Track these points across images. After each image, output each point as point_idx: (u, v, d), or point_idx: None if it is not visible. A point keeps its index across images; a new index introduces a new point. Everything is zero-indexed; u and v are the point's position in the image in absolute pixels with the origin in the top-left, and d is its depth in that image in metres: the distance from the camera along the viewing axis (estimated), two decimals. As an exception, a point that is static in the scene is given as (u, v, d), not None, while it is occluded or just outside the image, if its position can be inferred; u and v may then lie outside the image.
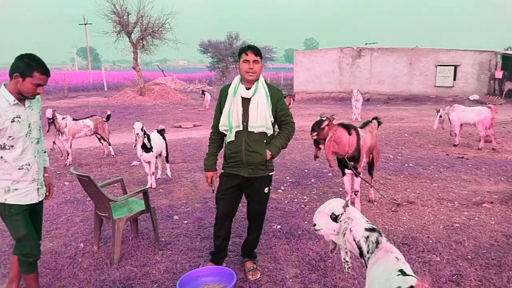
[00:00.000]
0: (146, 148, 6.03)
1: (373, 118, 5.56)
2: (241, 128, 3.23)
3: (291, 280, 3.42)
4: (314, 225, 2.39)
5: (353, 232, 2.20)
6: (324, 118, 4.52)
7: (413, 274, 1.96)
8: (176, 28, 24.63)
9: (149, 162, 6.17)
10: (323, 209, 2.37)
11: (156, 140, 6.33)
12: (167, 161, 6.79)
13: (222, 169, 3.45)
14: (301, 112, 17.29)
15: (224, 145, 3.45)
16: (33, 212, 2.98)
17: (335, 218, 2.27)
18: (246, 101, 3.23)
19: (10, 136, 2.72)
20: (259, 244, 4.04)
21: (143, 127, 5.93)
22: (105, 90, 32.66)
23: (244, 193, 3.49)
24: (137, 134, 5.89)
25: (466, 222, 4.65)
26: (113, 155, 8.61)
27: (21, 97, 2.77)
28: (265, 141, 3.29)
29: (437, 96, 23.23)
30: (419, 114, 16.40)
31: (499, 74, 22.25)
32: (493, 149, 8.89)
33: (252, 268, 3.53)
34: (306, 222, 4.69)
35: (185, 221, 4.79)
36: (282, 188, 6.11)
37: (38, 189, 2.94)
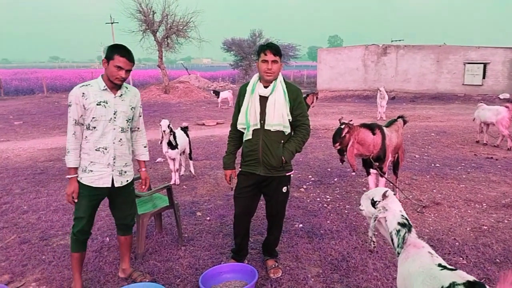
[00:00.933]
0: (172, 145, 6.12)
1: (399, 117, 5.46)
2: (258, 126, 3.22)
3: (313, 280, 3.40)
4: (360, 204, 2.61)
5: (387, 222, 2.35)
6: (342, 126, 4.45)
7: (454, 268, 1.99)
8: (200, 26, 24.94)
9: (174, 159, 6.26)
10: (369, 193, 2.57)
11: (180, 137, 6.41)
12: (191, 158, 6.86)
13: (240, 167, 3.45)
14: (325, 110, 17.15)
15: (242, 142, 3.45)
16: (116, 197, 3.24)
17: (373, 203, 2.44)
18: (263, 99, 3.22)
19: (93, 117, 2.99)
20: (281, 242, 4.05)
21: (169, 124, 6.02)
22: (130, 87, 33.19)
23: (262, 192, 3.47)
24: (164, 131, 5.98)
25: (494, 225, 4.51)
26: None
27: (112, 86, 3.06)
28: (282, 141, 3.25)
29: (466, 94, 22.59)
30: (447, 113, 15.99)
31: (531, 72, 21.45)
32: (508, 149, 8.64)
33: (274, 266, 3.53)
34: (328, 222, 4.66)
35: (208, 218, 4.84)
36: (305, 186, 6.08)
37: (113, 175, 3.11)
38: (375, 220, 2.36)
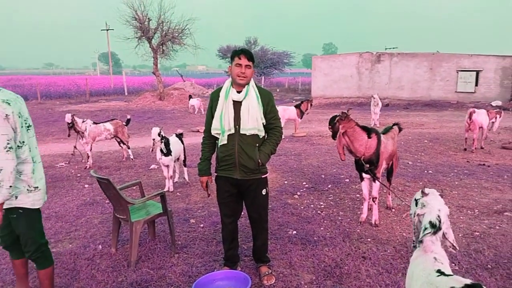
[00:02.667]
0: (165, 152, 6.11)
1: (394, 124, 5.51)
2: (233, 131, 3.26)
3: (306, 286, 3.40)
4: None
5: (424, 219, 2.33)
6: (338, 114, 4.61)
7: (451, 273, 2.04)
8: (196, 34, 25.00)
9: (167, 166, 6.25)
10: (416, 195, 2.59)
11: (175, 144, 6.41)
12: (185, 165, 6.86)
13: (215, 172, 3.47)
14: (319, 117, 17.21)
15: (216, 148, 3.47)
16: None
17: (416, 201, 2.47)
18: (237, 104, 3.26)
19: None
20: (274, 249, 4.05)
21: (160, 132, 6.01)
22: (125, 94, 33.23)
23: (243, 197, 3.50)
24: (154, 139, 5.98)
25: (486, 231, 4.55)
26: (132, 159, 8.75)
27: None
28: (257, 144, 3.30)
29: (458, 102, 22.78)
30: (440, 120, 16.11)
31: (523, 80, 21.70)
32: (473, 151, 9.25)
33: (267, 273, 3.53)
34: (322, 228, 4.67)
35: (201, 225, 4.83)
36: (299, 193, 6.09)
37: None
38: (414, 217, 2.39)
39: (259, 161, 3.28)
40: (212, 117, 3.35)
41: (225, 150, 3.31)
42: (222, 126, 3.27)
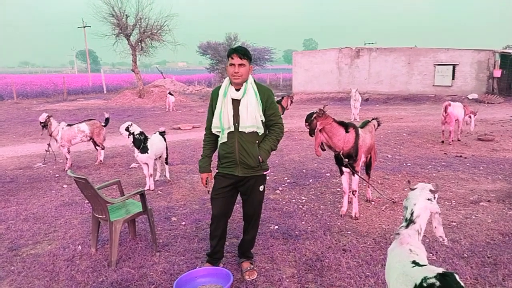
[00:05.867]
0: (141, 149, 6.05)
1: (373, 119, 5.59)
2: (232, 129, 3.27)
3: (287, 280, 3.43)
4: None
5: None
6: (315, 111, 4.63)
7: (427, 263, 2.12)
8: (175, 30, 24.83)
9: (146, 164, 6.19)
10: None
11: (158, 142, 6.36)
12: (167, 163, 6.80)
13: (217, 169, 3.48)
14: (300, 112, 17.29)
15: (218, 146, 3.48)
16: None
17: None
18: (236, 102, 3.27)
19: None
20: (256, 244, 4.06)
21: (128, 127, 6.00)
22: (104, 92, 32.73)
23: (239, 192, 3.51)
24: (121, 133, 6.01)
25: (463, 221, 4.67)
26: (101, 160, 8.26)
27: None
28: (257, 141, 3.32)
29: (436, 95, 23.24)
30: (418, 114, 16.41)
31: (497, 73, 22.24)
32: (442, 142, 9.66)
33: (249, 268, 3.54)
34: (303, 222, 4.71)
35: (183, 223, 4.81)
36: (280, 188, 6.12)
37: None
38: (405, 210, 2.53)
39: (259, 157, 3.29)
40: (213, 115, 3.37)
41: (226, 147, 3.32)
42: (222, 124, 3.29)
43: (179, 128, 13.43)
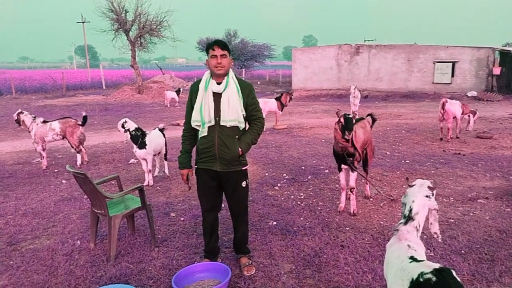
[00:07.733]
0: (140, 145, 6.07)
1: (368, 115, 5.60)
2: (213, 123, 3.25)
3: (285, 276, 3.45)
4: None
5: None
6: (349, 115, 4.52)
7: (425, 259, 2.14)
8: (174, 26, 24.71)
9: (144, 160, 6.19)
10: None
11: (157, 138, 6.37)
12: (166, 159, 6.81)
13: (195, 164, 3.47)
14: (299, 109, 17.31)
15: (197, 141, 3.46)
16: None
17: None
18: (217, 96, 3.26)
19: None
20: (255, 240, 4.08)
21: (124, 124, 6.05)
22: (103, 88, 32.65)
23: (223, 191, 3.52)
24: (119, 130, 6.09)
25: (460, 218, 4.68)
26: (78, 165, 7.59)
27: None
28: (237, 136, 3.31)
29: (435, 92, 23.23)
30: (417, 111, 16.41)
31: (497, 71, 22.23)
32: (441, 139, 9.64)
33: (247, 264, 3.56)
34: (302, 218, 4.72)
35: (182, 218, 4.82)
36: (279, 185, 6.13)
37: None
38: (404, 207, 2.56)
39: (239, 149, 3.29)
40: (192, 109, 3.34)
41: (205, 142, 3.30)
42: (202, 117, 3.26)
43: (178, 124, 13.40)
